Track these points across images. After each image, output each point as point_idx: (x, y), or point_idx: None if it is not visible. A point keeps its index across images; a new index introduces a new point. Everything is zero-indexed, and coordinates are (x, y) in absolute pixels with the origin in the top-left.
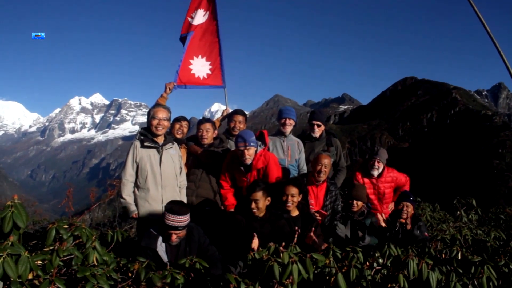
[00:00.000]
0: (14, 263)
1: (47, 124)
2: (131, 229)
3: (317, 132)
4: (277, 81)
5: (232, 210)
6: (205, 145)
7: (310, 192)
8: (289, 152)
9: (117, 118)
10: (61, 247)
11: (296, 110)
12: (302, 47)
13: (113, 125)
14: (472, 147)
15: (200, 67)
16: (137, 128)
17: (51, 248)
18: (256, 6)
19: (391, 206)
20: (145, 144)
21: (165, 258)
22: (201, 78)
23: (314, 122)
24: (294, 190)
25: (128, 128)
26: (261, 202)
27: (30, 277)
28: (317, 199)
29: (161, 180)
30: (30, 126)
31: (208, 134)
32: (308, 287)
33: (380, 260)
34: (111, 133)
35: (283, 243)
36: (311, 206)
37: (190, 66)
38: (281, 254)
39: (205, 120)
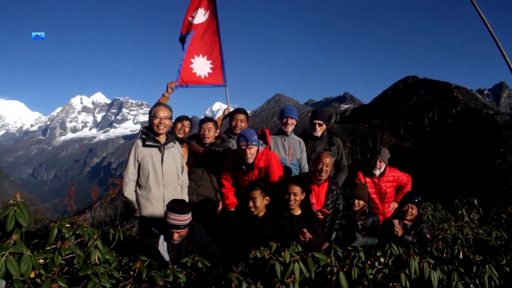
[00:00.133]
0: (17, 261)
1: (48, 123)
2: (133, 228)
3: (319, 131)
4: (278, 80)
5: (233, 209)
6: (207, 144)
7: (312, 191)
8: (290, 151)
9: (119, 117)
10: (63, 245)
11: (298, 109)
12: (304, 46)
13: (114, 124)
14: (474, 147)
15: (201, 66)
16: (138, 127)
17: (53, 246)
18: (257, 6)
19: (393, 205)
20: (147, 143)
21: (166, 257)
22: (202, 77)
23: (316, 121)
24: (297, 189)
25: (129, 127)
26: (258, 200)
27: (32, 275)
28: (319, 198)
29: (163, 179)
30: (32, 125)
31: (210, 134)
32: (309, 286)
33: (382, 259)
34: (113, 132)
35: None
36: (312, 205)
37: (191, 65)
38: (282, 253)
39: (207, 119)
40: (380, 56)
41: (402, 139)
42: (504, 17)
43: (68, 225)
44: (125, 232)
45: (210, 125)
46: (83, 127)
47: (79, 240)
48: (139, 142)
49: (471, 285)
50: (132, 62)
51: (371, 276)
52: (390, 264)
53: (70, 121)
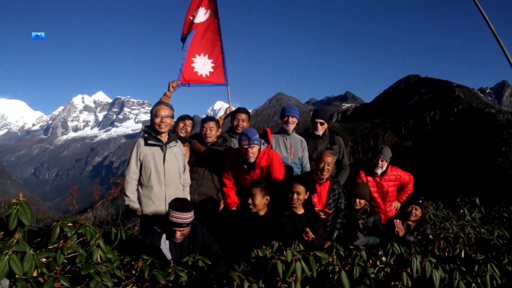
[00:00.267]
0: (20, 260)
1: (50, 122)
2: (135, 227)
3: (320, 130)
4: (279, 79)
5: (234, 208)
6: (208, 144)
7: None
8: (292, 150)
9: (120, 116)
10: (66, 244)
11: (299, 108)
12: (305, 45)
13: (116, 123)
14: (476, 145)
15: (203, 65)
16: (140, 126)
17: (55, 245)
18: (258, 4)
19: (395, 204)
20: (149, 142)
21: (169, 255)
22: (204, 76)
23: (317, 120)
24: (300, 188)
25: (131, 126)
26: (258, 198)
27: (35, 274)
28: (320, 197)
29: (165, 178)
30: (34, 124)
31: (212, 133)
32: (311, 285)
33: (383, 258)
34: (114, 131)
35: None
36: (314, 205)
37: (193, 64)
38: (284, 252)
39: (209, 118)
40: (382, 55)
41: (404, 138)
42: (506, 16)
43: (70, 224)
44: (127, 231)
45: (211, 124)
46: (84, 126)
47: (81, 239)
48: (141, 141)
49: (473, 284)
50: (133, 61)
51: (372, 275)
52: (392, 263)
53: (72, 120)
